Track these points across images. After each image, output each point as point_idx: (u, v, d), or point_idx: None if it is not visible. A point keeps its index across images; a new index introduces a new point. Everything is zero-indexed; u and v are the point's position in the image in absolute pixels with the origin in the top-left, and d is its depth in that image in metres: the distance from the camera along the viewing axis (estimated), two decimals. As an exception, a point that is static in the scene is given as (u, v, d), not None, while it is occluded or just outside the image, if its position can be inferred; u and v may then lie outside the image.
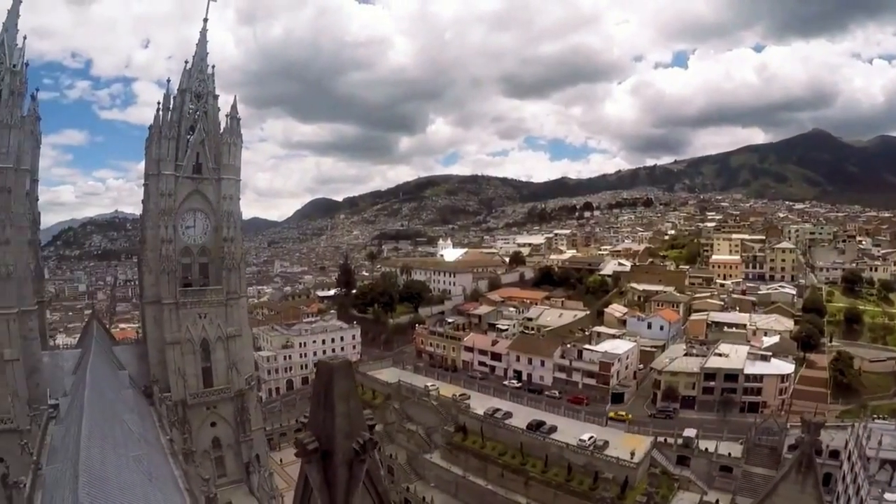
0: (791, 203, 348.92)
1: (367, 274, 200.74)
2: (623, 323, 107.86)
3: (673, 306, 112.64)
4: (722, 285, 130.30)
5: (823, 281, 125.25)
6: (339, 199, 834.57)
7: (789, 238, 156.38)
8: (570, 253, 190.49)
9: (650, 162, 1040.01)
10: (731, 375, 78.25)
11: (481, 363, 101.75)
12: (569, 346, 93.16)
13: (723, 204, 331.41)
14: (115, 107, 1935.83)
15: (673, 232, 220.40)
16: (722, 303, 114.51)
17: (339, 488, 7.83)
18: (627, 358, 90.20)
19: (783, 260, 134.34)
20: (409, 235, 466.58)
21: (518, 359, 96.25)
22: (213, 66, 58.12)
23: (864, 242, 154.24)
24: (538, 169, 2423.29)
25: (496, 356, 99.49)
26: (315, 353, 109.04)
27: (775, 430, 64.27)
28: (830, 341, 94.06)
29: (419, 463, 76.77)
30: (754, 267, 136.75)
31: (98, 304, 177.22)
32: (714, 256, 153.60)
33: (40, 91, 57.33)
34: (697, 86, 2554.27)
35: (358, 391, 8.63)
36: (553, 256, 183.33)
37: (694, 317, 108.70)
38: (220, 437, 56.83)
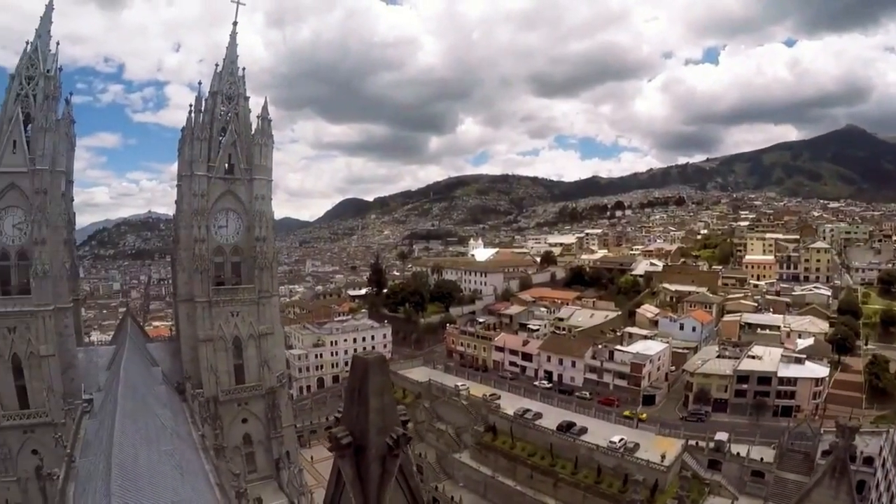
0: (825, 201, 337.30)
1: (398, 273, 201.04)
2: (655, 324, 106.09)
3: (705, 307, 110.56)
4: (755, 286, 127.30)
5: (859, 282, 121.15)
6: (370, 199, 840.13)
7: (824, 238, 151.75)
8: (601, 253, 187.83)
9: (682, 160, 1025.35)
10: (765, 378, 76.18)
11: (512, 363, 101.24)
12: (600, 346, 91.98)
13: (756, 203, 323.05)
14: (148, 110, 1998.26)
15: (705, 231, 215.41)
16: (755, 304, 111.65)
17: (372, 483, 7.81)
18: (659, 359, 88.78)
19: (818, 260, 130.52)
20: (440, 235, 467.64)
21: (549, 359, 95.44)
22: (244, 69, 59.30)
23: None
24: (569, 168, 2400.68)
25: (527, 356, 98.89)
26: (346, 352, 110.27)
27: (809, 435, 62.31)
28: (866, 344, 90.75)
29: (448, 462, 76.95)
30: (788, 267, 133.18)
31: (132, 301, 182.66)
32: (747, 256, 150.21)
33: (74, 95, 59.23)
34: (728, 82, 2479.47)
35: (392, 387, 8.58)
36: (584, 256, 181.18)
37: (727, 318, 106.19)
38: (251, 433, 57.85)
